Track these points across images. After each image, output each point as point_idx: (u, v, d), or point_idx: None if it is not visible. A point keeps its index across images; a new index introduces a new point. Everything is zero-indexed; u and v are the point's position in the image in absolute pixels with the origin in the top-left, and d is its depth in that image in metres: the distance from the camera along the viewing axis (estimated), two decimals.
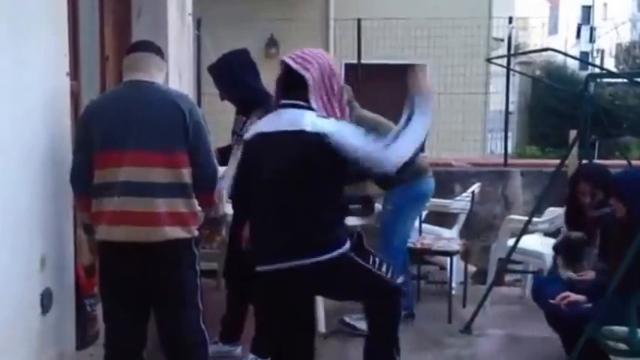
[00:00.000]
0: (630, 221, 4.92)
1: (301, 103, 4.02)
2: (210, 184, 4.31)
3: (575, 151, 6.76)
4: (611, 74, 10.61)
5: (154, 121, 4.11)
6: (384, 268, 4.14)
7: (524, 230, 6.73)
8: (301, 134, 3.90)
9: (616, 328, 4.67)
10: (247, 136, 4.09)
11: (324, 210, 3.99)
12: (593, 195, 5.52)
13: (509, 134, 13.66)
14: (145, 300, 4.28)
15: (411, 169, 4.70)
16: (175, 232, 4.12)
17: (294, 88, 4.04)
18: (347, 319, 6.35)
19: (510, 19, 13.48)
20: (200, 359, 4.45)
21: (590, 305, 5.07)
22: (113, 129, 4.10)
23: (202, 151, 4.21)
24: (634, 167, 5.92)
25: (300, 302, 4.21)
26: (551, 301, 5.24)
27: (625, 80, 18.02)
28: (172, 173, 4.10)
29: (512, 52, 12.98)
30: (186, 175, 4.15)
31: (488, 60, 10.25)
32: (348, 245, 4.00)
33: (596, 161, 6.82)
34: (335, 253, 3.94)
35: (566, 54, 8.85)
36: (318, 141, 3.87)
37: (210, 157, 4.28)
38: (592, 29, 45.39)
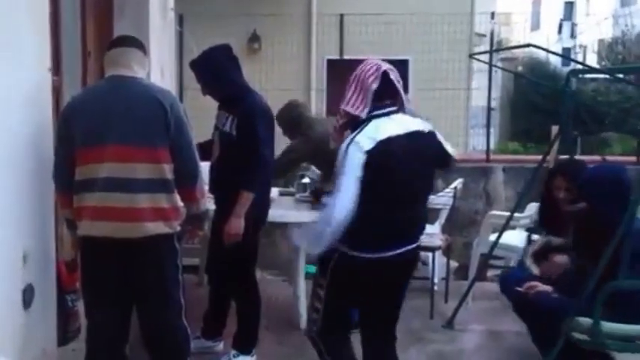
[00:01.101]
0: (594, 219, 4.97)
1: (396, 108, 4.23)
2: (192, 179, 4.30)
3: (557, 146, 6.79)
4: (592, 70, 10.63)
5: (136, 117, 4.10)
6: None
7: (506, 226, 6.75)
8: (424, 134, 4.24)
9: (581, 319, 4.69)
10: (370, 145, 4.05)
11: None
12: (568, 190, 5.55)
13: (492, 130, 13.70)
14: (127, 295, 4.28)
15: None
16: (157, 228, 4.12)
17: (388, 96, 4.21)
18: None
19: (492, 15, 13.51)
20: (182, 355, 4.46)
21: (556, 296, 5.13)
22: (94, 125, 4.09)
23: (184, 147, 4.21)
24: (599, 165, 5.93)
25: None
26: (518, 288, 5.28)
27: (607, 76, 18.09)
28: (154, 169, 4.10)
29: (494, 47, 13.04)
30: (167, 170, 4.15)
31: (471, 56, 10.28)
32: None
33: (576, 157, 6.83)
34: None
35: (547, 50, 8.87)
36: (435, 139, 4.30)
37: (192, 153, 4.28)
38: (573, 25, 45.50)
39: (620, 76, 10.55)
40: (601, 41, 35.21)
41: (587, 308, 4.57)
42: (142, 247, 4.12)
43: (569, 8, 48.70)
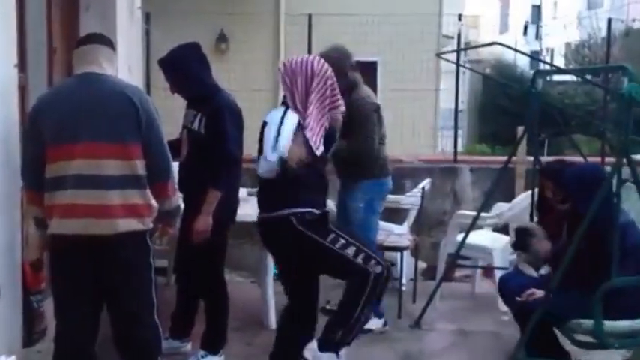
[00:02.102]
0: (578, 218, 5.00)
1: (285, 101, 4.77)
2: (164, 175, 4.29)
3: (523, 147, 6.81)
4: (558, 70, 10.70)
5: (106, 113, 4.07)
6: (349, 250, 4.58)
7: (473, 225, 6.76)
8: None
9: (582, 321, 4.72)
10: None
11: (279, 181, 4.63)
12: (555, 193, 5.58)
13: (460, 132, 13.75)
14: (97, 294, 4.23)
15: (381, 165, 6.39)
16: (130, 225, 4.09)
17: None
18: None
19: (460, 17, 13.56)
20: (153, 354, 4.42)
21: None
22: (64, 122, 4.06)
23: (155, 143, 4.20)
24: (580, 164, 5.98)
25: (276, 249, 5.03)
26: (518, 298, 5.28)
27: (574, 78, 18.23)
28: (126, 165, 4.08)
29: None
30: (139, 166, 4.13)
31: (438, 55, 10.28)
32: (291, 216, 4.64)
33: (544, 158, 6.86)
34: (276, 214, 4.68)
35: (514, 49, 8.92)
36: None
37: (164, 149, 4.27)
38: (538, 27, 45.75)
39: (588, 77, 10.62)
40: (568, 44, 35.41)
41: (583, 309, 4.61)
42: (113, 245, 4.08)
43: (537, 11, 49.00)
